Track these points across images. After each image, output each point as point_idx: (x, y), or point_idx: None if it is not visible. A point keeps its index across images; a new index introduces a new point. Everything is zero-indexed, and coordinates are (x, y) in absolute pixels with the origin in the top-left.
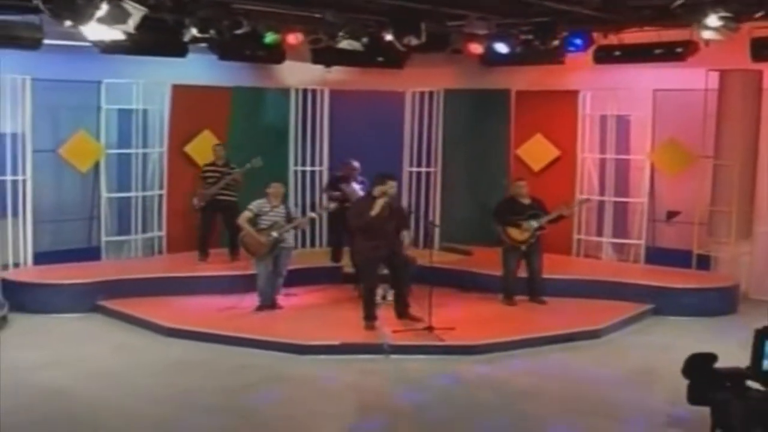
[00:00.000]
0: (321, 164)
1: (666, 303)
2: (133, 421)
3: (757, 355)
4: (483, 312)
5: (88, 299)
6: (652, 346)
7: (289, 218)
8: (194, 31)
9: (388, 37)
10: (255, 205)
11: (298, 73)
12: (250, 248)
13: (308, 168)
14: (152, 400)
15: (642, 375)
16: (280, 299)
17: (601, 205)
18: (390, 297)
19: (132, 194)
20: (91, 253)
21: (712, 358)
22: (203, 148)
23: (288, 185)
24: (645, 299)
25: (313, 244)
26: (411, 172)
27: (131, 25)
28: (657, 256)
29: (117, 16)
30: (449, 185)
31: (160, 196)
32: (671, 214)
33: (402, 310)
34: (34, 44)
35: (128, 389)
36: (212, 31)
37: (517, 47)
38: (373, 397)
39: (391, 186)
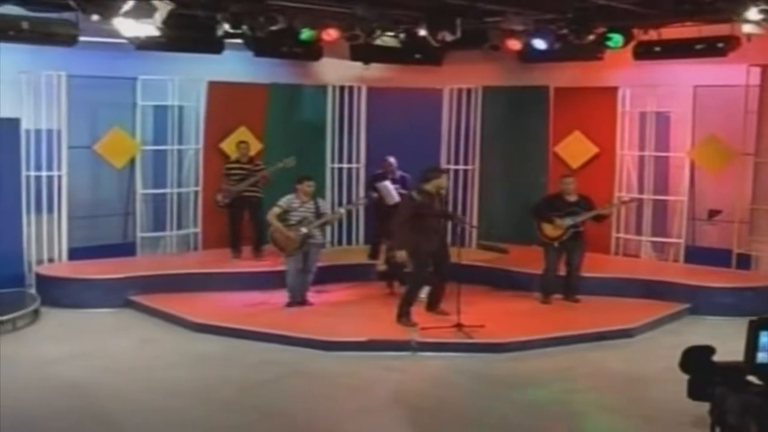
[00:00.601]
0: (358, 161)
1: (703, 302)
2: (150, 414)
3: (751, 348)
4: (515, 310)
5: (120, 294)
6: (685, 346)
7: (318, 214)
8: (227, 27)
9: (422, 33)
10: (284, 201)
11: (335, 70)
12: (279, 244)
13: (345, 165)
14: (171, 394)
15: (672, 374)
16: (311, 296)
17: (640, 203)
18: (423, 295)
19: (167, 191)
20: (126, 249)
21: (709, 350)
22: (239, 145)
23: (324, 182)
24: (681, 299)
25: (350, 242)
26: (449, 170)
27: (158, 19)
28: (697, 255)
29: (143, 10)
30: (487, 183)
31: (196, 192)
32: (713, 213)
33: (434, 304)
34: (69, 41)
35: (149, 383)
36: (245, 27)
37: (555, 43)
38: (394, 393)
39: (446, 179)
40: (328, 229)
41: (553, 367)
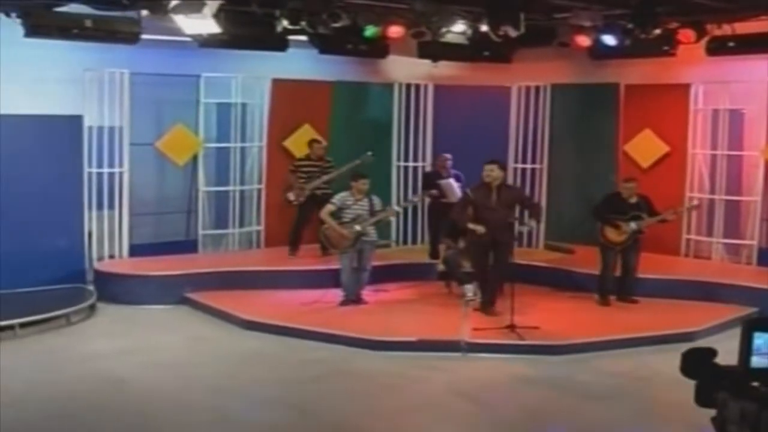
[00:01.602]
0: (424, 160)
1: None
2: (188, 411)
3: (744, 351)
4: (573, 311)
5: (176, 291)
6: None
7: (372, 212)
8: (286, 23)
9: (483, 28)
10: (338, 198)
11: (403, 68)
12: (333, 241)
13: (411, 163)
14: (212, 391)
15: None
16: (367, 294)
17: (712, 203)
18: (471, 294)
19: (230, 188)
20: (188, 246)
21: (711, 353)
22: (302, 142)
23: (390, 180)
24: (749, 302)
25: (414, 241)
26: (516, 169)
27: (207, 14)
28: None
29: (192, 5)
30: (556, 182)
31: (259, 190)
32: None
33: (487, 304)
34: (131, 38)
35: (192, 380)
36: (303, 23)
37: (625, 39)
38: (437, 394)
39: (489, 170)
40: (393, 227)
41: (608, 371)
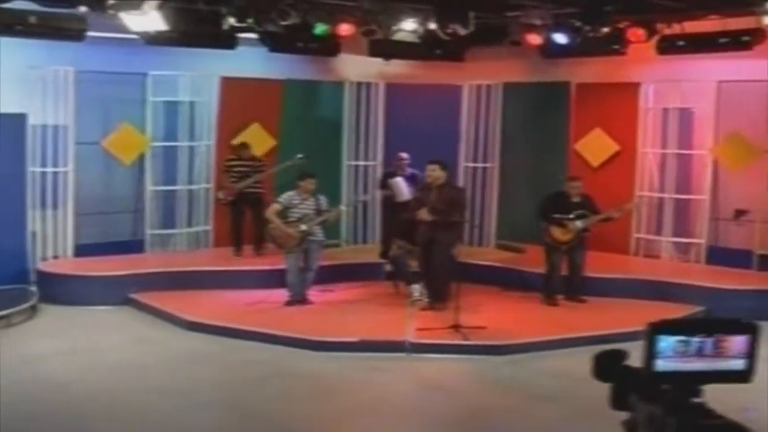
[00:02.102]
0: (375, 159)
1: (719, 305)
2: (128, 413)
3: (648, 354)
4: (521, 311)
5: (120, 292)
6: None
7: (318, 211)
8: (232, 21)
9: (432, 26)
10: (284, 197)
11: (354, 66)
12: (279, 241)
13: (362, 162)
14: (153, 393)
15: None
16: (314, 294)
17: (661, 202)
18: (417, 294)
19: (178, 187)
20: (135, 246)
21: (621, 354)
22: (252, 141)
23: (341, 180)
24: (697, 301)
25: (365, 240)
26: (468, 168)
27: (147, 11)
28: (719, 255)
29: (131, 2)
30: (507, 181)
31: (207, 189)
32: (739, 213)
33: (433, 301)
34: (77, 36)
35: (133, 382)
36: (250, 21)
37: (576, 38)
38: (377, 396)
39: (430, 170)
40: (344, 227)
41: (551, 371)
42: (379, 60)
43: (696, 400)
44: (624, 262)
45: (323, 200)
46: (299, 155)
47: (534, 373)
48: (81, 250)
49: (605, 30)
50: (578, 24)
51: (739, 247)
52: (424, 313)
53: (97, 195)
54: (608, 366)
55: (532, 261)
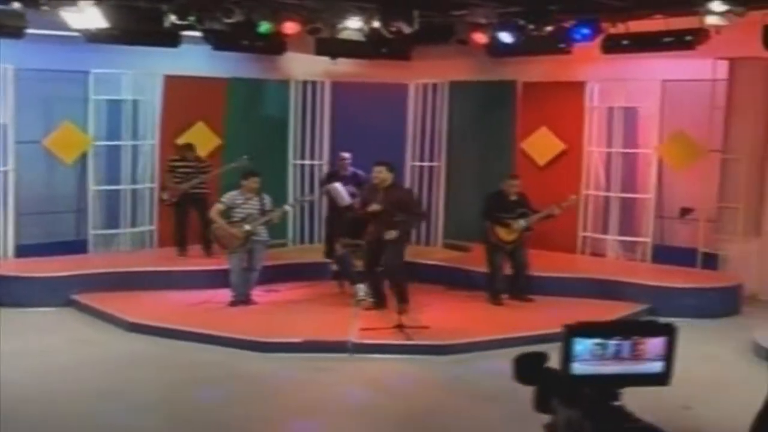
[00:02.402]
0: (321, 158)
1: (662, 303)
2: (63, 415)
3: (564, 357)
4: (466, 311)
5: (61, 293)
6: None
7: (262, 211)
8: (173, 18)
9: (376, 24)
10: (227, 197)
11: (301, 65)
12: (222, 241)
13: (308, 162)
14: (91, 396)
15: None
16: (258, 295)
17: (607, 201)
18: (362, 294)
19: (121, 187)
20: (78, 246)
21: (542, 357)
22: (196, 140)
23: (287, 179)
24: (641, 299)
25: (312, 240)
26: (414, 167)
27: (83, 8)
28: (665, 254)
29: None
30: (454, 180)
31: (151, 189)
32: (685, 211)
33: (380, 303)
34: (16, 33)
35: (71, 384)
36: (191, 18)
37: (521, 37)
38: (322, 397)
39: (376, 172)
40: (290, 226)
41: (494, 371)
42: (325, 59)
43: (615, 403)
44: (571, 261)
45: (267, 200)
46: (244, 156)
47: (477, 373)
48: (23, 251)
49: (549, 29)
50: (522, 23)
51: (684, 245)
52: (368, 313)
53: (39, 194)
54: (529, 369)
55: (478, 260)
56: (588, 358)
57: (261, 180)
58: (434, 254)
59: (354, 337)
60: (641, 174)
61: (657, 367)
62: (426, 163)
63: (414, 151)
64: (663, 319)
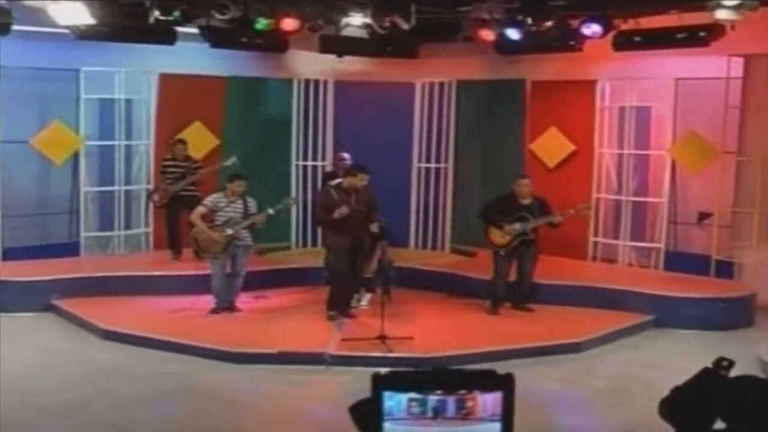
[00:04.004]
0: (324, 159)
1: (669, 314)
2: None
3: (375, 416)
4: (458, 320)
5: (41, 297)
6: (637, 363)
7: (246, 214)
8: (157, 14)
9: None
10: (210, 199)
11: (305, 63)
12: (203, 245)
13: (310, 163)
14: (40, 410)
15: (608, 396)
16: (245, 301)
17: (619, 204)
18: (364, 302)
19: (115, 188)
20: (70, 249)
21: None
22: (193, 140)
23: (290, 181)
24: (646, 310)
25: (315, 243)
26: (420, 168)
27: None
28: (678, 261)
29: None
30: (462, 182)
31: (147, 190)
32: (702, 216)
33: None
34: (2, 29)
35: (22, 396)
36: (176, 14)
37: (526, 33)
38: (283, 413)
39: (361, 179)
40: (293, 229)
41: None
42: (330, 57)
43: None
44: (578, 268)
45: (252, 203)
46: (233, 157)
47: None
48: (10, 254)
49: (548, 24)
50: (520, 18)
51: (698, 252)
52: (352, 322)
53: (29, 196)
54: (366, 419)
55: (482, 266)
56: (403, 417)
57: (247, 183)
58: (440, 259)
59: (332, 348)
60: (654, 177)
61: (492, 429)
62: (433, 165)
63: (420, 153)
64: (669, 331)
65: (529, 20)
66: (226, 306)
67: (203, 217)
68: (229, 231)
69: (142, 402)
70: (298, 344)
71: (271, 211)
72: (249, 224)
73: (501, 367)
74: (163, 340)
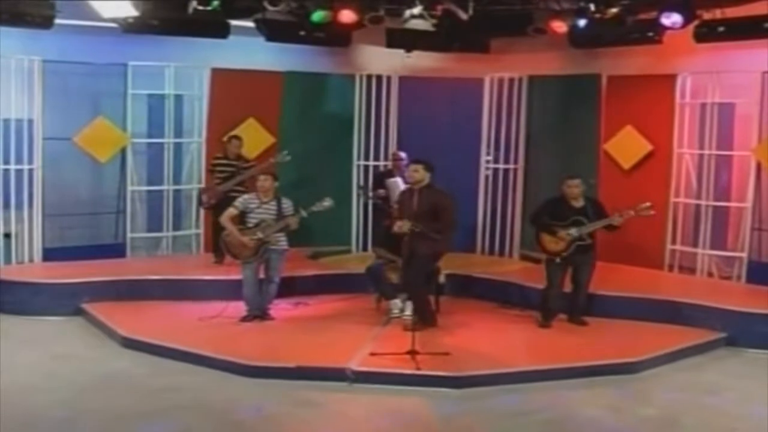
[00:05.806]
0: (387, 159)
1: (742, 332)
2: None
3: None
4: (505, 334)
5: (72, 301)
6: (697, 387)
7: (280, 216)
8: (195, 4)
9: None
10: (241, 201)
11: (370, 58)
12: (233, 250)
13: (372, 162)
14: (27, 426)
15: (658, 427)
16: (283, 308)
17: (698, 210)
18: (408, 311)
19: (164, 187)
20: (116, 250)
21: None
22: (247, 138)
23: (351, 181)
24: (718, 326)
25: (366, 248)
26: (489, 170)
27: None
28: (763, 272)
29: None
30: (533, 184)
31: (198, 190)
32: None
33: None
34: (44, 23)
35: (17, 408)
36: (215, 3)
37: (594, 23)
38: None
39: (412, 170)
40: (353, 232)
41: (509, 410)
42: (396, 52)
43: None
44: (650, 278)
45: (288, 204)
46: (284, 152)
47: (488, 412)
48: (52, 255)
49: (613, 11)
50: (583, 4)
51: None
52: (390, 335)
53: (73, 195)
54: None
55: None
56: None
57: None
58: (509, 266)
59: (355, 364)
60: (737, 180)
61: None
62: (502, 166)
63: (489, 153)
64: (741, 351)
65: (592, 7)
66: (257, 314)
67: (234, 219)
68: (260, 234)
69: (136, 420)
70: (320, 358)
71: (304, 213)
72: (281, 227)
73: (544, 389)
74: (180, 350)
